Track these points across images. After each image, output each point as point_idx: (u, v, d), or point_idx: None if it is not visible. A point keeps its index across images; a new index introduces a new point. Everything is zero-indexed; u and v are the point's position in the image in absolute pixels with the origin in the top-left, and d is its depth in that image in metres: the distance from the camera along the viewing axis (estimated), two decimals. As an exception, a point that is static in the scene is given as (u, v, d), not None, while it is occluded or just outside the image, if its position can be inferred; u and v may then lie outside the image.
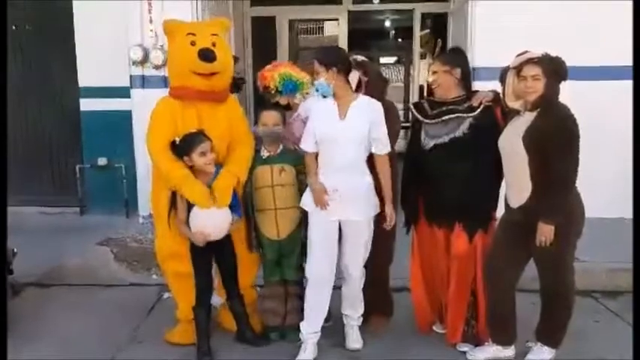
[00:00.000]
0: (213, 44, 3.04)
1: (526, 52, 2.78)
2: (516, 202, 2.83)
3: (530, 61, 2.73)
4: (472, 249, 3.02)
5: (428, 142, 3.05)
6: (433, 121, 3.05)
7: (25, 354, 3.11)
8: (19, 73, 5.60)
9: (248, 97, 6.79)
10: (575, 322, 2.99)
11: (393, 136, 3.14)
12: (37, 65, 5.55)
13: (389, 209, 3.00)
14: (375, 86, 3.18)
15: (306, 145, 3.00)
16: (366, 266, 3.15)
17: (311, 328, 3.06)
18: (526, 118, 2.77)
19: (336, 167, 2.93)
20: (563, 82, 2.76)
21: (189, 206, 2.93)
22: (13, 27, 5.71)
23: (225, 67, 3.11)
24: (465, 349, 3.13)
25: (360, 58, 3.27)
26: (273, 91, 3.31)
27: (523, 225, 2.78)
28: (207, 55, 2.98)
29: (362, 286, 3.14)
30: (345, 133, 2.90)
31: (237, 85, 3.69)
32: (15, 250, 3.65)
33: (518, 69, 2.76)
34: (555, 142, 2.66)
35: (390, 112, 3.20)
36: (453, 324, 3.16)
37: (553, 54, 2.77)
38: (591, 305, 3.76)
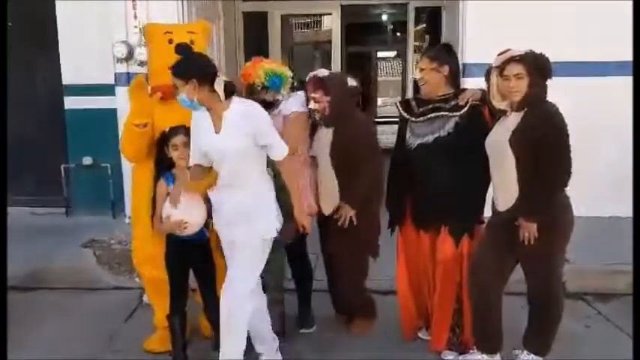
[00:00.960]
0: (191, 42, 3.00)
1: (508, 50, 2.66)
2: (504, 205, 2.73)
3: (512, 59, 2.61)
4: (458, 254, 2.92)
5: (413, 142, 2.96)
6: (419, 119, 2.96)
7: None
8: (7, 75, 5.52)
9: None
10: (565, 327, 2.90)
11: (374, 150, 3.12)
12: (20, 63, 5.43)
13: (299, 217, 2.79)
14: (341, 104, 3.07)
15: (191, 159, 2.76)
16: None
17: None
18: (512, 119, 2.66)
19: (220, 183, 2.73)
20: (548, 80, 2.65)
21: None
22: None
23: None
24: (449, 357, 3.04)
25: (321, 73, 3.14)
26: (259, 88, 3.17)
27: (510, 228, 2.68)
28: (183, 50, 2.91)
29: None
30: (220, 148, 2.61)
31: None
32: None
33: (501, 68, 2.65)
34: (544, 142, 2.55)
35: (362, 129, 3.16)
36: (437, 331, 3.07)
37: (542, 51, 2.66)
38: (582, 309, 3.66)
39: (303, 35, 13.19)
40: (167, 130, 2.89)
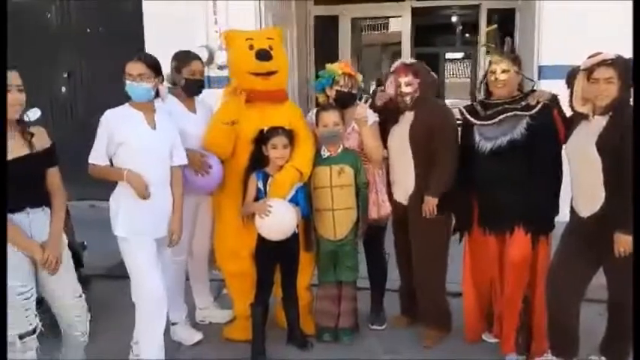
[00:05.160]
0: (270, 47, 3.16)
1: (599, 53, 2.62)
2: (587, 210, 2.66)
3: (603, 62, 2.57)
4: (533, 255, 2.92)
5: (484, 145, 2.96)
6: (487, 122, 2.97)
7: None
8: (96, 74, 5.94)
9: (310, 99, 6.86)
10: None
11: (456, 137, 3.12)
12: (109, 66, 5.81)
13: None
14: (428, 88, 3.15)
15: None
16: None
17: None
18: (597, 123, 2.61)
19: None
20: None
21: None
22: (88, 30, 6.03)
23: (281, 67, 3.22)
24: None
25: (408, 60, 3.24)
26: (354, 91, 3.28)
27: (594, 234, 2.64)
28: (263, 55, 3.12)
29: None
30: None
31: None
32: (85, 243, 3.84)
33: (590, 71, 2.61)
34: (626, 147, 2.48)
35: (445, 114, 3.16)
36: (507, 333, 3.07)
37: (619, 53, 2.61)
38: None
39: (371, 37, 13.23)
40: (266, 129, 3.05)
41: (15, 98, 2.36)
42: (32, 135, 2.47)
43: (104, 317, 3.51)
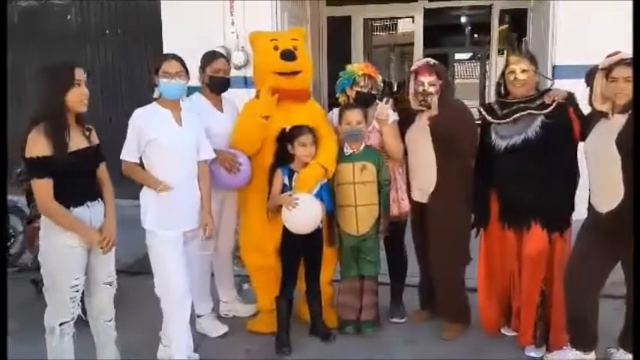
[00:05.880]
0: (294, 47, 3.24)
1: (617, 52, 2.68)
2: (606, 207, 2.72)
3: (622, 62, 2.63)
4: (548, 250, 2.98)
5: (500, 144, 3.03)
6: (503, 121, 3.04)
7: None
8: (115, 75, 6.04)
9: (323, 99, 6.93)
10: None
11: (475, 131, 3.18)
12: (127, 66, 5.92)
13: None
14: (448, 88, 3.25)
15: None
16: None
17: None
18: (617, 121, 2.67)
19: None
20: None
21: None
22: (106, 31, 6.14)
23: (305, 67, 3.30)
24: (532, 354, 3.09)
25: (431, 61, 3.29)
26: (373, 91, 3.37)
27: (612, 230, 2.70)
28: (288, 55, 3.20)
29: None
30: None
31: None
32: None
33: (609, 70, 2.67)
34: (634, 146, 2.54)
35: (464, 110, 3.24)
36: (525, 326, 3.13)
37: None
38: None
39: (379, 38, 13.31)
40: (290, 127, 3.13)
41: (83, 93, 2.51)
42: (90, 130, 2.62)
43: (123, 312, 3.45)
